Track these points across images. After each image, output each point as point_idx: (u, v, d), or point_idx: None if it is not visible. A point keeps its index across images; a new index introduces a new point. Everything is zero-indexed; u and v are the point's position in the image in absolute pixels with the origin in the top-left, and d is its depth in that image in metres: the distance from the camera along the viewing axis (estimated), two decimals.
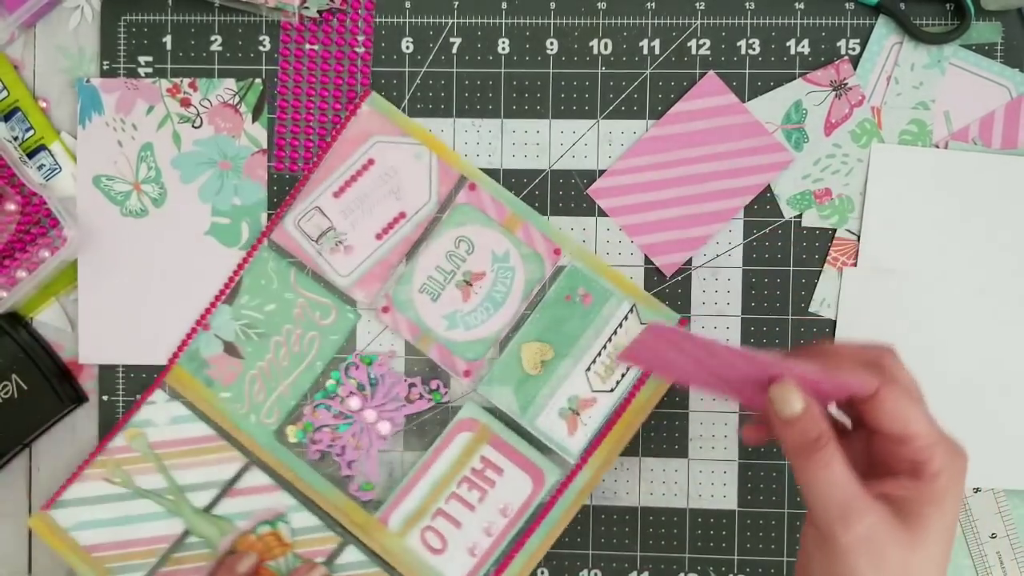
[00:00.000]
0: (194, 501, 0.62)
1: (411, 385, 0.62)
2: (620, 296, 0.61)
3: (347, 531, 0.62)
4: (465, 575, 0.61)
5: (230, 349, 0.63)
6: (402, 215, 0.62)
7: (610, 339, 0.61)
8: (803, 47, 0.62)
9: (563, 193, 0.62)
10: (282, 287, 0.63)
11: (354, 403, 0.62)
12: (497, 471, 0.61)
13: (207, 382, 0.63)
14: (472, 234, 0.62)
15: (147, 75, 0.63)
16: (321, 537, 0.62)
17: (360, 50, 0.63)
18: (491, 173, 0.62)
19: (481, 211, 0.62)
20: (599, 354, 0.61)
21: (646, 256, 0.62)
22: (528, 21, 0.62)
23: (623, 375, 0.61)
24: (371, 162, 0.62)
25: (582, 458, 0.61)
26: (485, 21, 0.63)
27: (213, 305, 0.62)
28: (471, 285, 0.61)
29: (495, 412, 0.62)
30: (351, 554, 0.61)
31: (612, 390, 0.61)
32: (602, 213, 0.62)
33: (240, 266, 0.62)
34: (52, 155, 0.63)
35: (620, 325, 0.61)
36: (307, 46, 0.63)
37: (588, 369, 0.61)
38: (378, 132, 0.62)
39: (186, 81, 0.63)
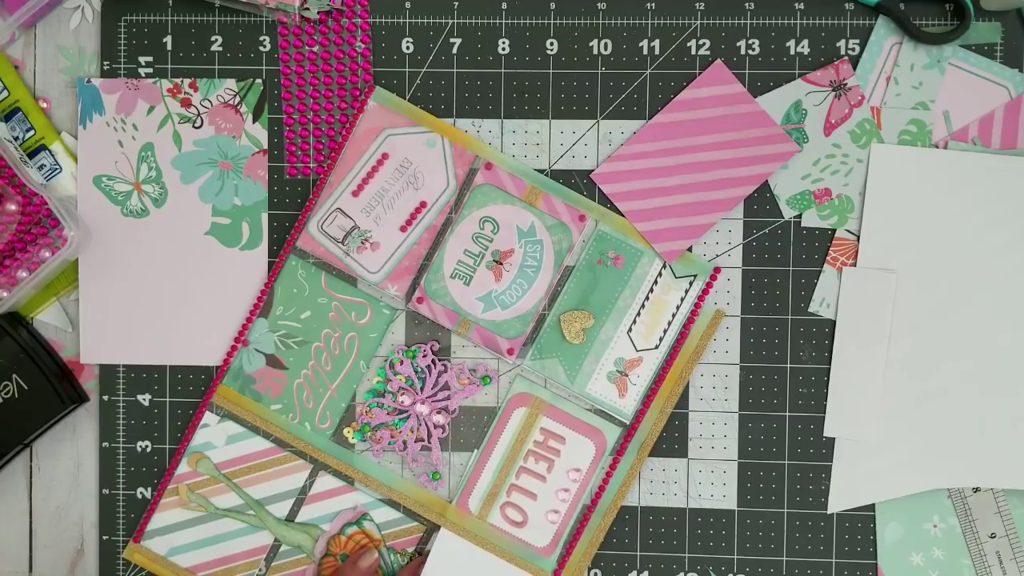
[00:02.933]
0: (275, 513, 0.63)
1: (458, 372, 0.62)
2: (651, 254, 0.61)
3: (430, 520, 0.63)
4: (550, 540, 0.62)
5: (273, 361, 0.63)
6: (423, 204, 0.62)
7: (647, 297, 0.61)
8: (803, 47, 0.62)
9: None
10: (315, 293, 0.63)
11: (405, 399, 0.62)
12: (559, 440, 0.62)
13: (256, 397, 0.63)
14: (495, 213, 0.62)
15: (147, 75, 0.63)
16: (407, 528, 0.63)
17: (360, 47, 0.63)
18: None
19: (501, 189, 0.62)
20: (638, 314, 0.61)
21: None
22: (528, 21, 0.62)
23: (665, 331, 0.61)
24: (385, 156, 0.62)
25: (636, 418, 0.62)
26: (485, 21, 0.63)
27: (249, 320, 0.63)
28: (501, 264, 0.62)
29: (546, 384, 0.62)
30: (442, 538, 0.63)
31: (656, 347, 0.61)
32: (603, 202, 0.62)
33: (270, 278, 0.63)
34: (53, 155, 0.63)
35: (655, 282, 0.61)
36: (307, 48, 0.63)
37: (630, 330, 0.61)
38: (388, 125, 0.62)
39: (186, 81, 0.63)
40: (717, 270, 0.62)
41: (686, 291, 0.62)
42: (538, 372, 0.62)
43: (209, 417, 0.63)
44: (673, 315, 0.62)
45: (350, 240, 0.62)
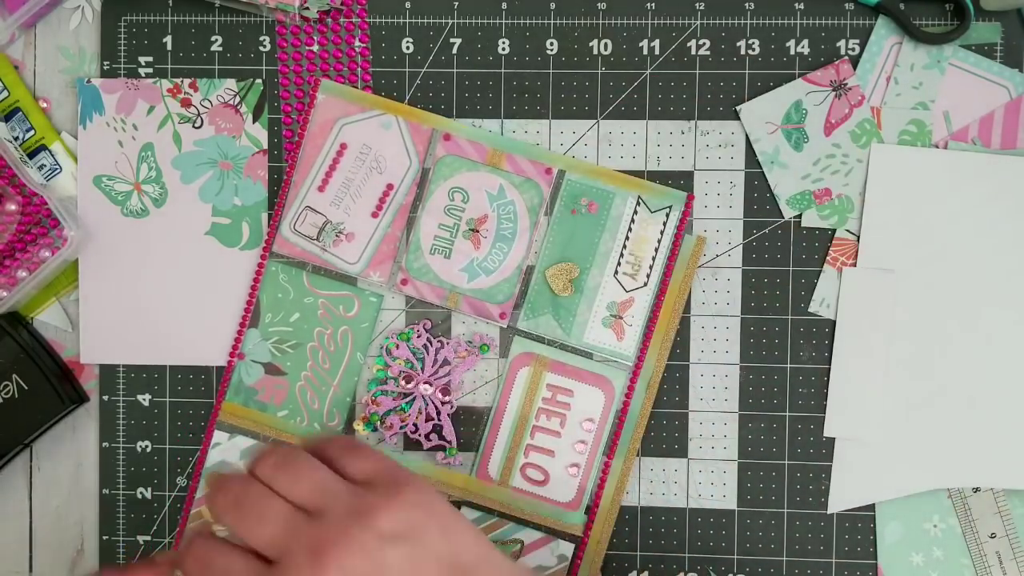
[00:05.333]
0: None
1: (455, 346, 0.62)
2: (623, 193, 0.61)
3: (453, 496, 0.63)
4: (575, 493, 0.62)
5: (271, 369, 0.63)
6: (390, 187, 0.62)
7: (627, 237, 0.61)
8: (803, 47, 0.62)
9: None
10: (299, 294, 0.63)
11: (408, 382, 0.62)
12: (567, 393, 0.62)
13: (261, 408, 0.63)
14: (462, 182, 0.62)
15: (147, 75, 0.63)
16: None
17: (359, 46, 0.63)
18: None
19: (463, 157, 0.62)
20: (621, 255, 0.61)
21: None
22: (528, 21, 0.62)
23: (651, 267, 0.61)
24: (344, 146, 0.62)
25: (639, 358, 0.62)
26: (485, 21, 0.63)
27: (240, 333, 0.63)
28: (477, 231, 0.62)
29: (544, 340, 0.62)
30: (468, 514, 0.63)
31: (645, 284, 0.62)
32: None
33: (253, 288, 0.63)
34: (53, 155, 0.63)
35: (632, 220, 0.61)
36: (305, 47, 0.63)
37: (616, 273, 0.62)
38: (341, 115, 0.62)
39: (186, 81, 0.63)
40: (691, 196, 0.62)
41: (664, 223, 0.61)
42: (533, 331, 0.62)
43: (219, 435, 0.63)
44: (656, 249, 0.62)
45: (324, 235, 0.62)
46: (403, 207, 0.62)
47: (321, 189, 0.62)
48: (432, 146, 0.62)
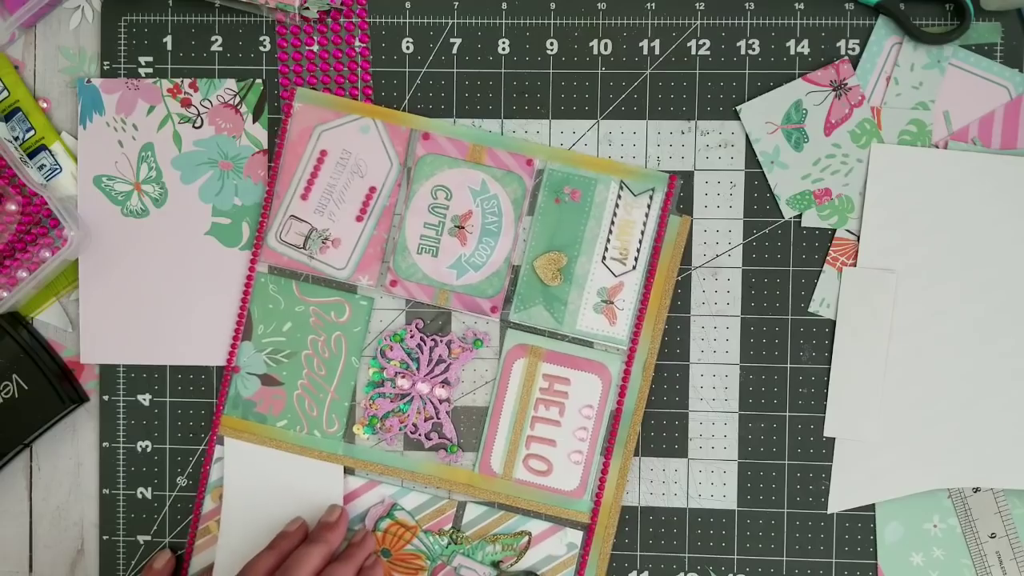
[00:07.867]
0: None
1: (448, 343, 0.62)
2: (605, 179, 0.62)
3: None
4: (579, 480, 0.62)
5: (267, 380, 0.63)
6: (372, 190, 0.62)
7: (612, 222, 0.61)
8: (803, 47, 0.62)
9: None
10: (290, 303, 0.63)
11: (404, 382, 0.62)
12: (564, 382, 0.62)
13: (260, 419, 0.63)
14: (444, 180, 0.62)
15: (147, 75, 0.63)
16: (439, 508, 0.63)
17: (359, 46, 0.63)
18: None
19: (444, 155, 0.62)
20: (608, 240, 0.62)
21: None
22: (528, 21, 0.63)
23: (638, 250, 0.61)
24: (324, 153, 0.62)
25: (632, 340, 0.62)
26: (485, 21, 0.63)
27: (234, 347, 0.63)
28: (463, 228, 0.62)
29: (537, 331, 0.62)
30: (474, 510, 0.63)
31: (633, 268, 0.62)
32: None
33: (243, 301, 0.63)
34: (53, 155, 0.63)
35: (616, 205, 0.61)
36: (305, 48, 0.63)
37: (604, 258, 0.62)
38: (319, 122, 0.62)
39: (187, 81, 0.63)
40: (673, 177, 0.62)
41: (648, 206, 0.62)
42: (526, 323, 0.62)
43: (220, 450, 0.63)
44: (642, 232, 0.62)
45: (311, 243, 0.62)
46: (387, 209, 0.62)
47: (304, 197, 0.62)
48: (411, 146, 0.62)
